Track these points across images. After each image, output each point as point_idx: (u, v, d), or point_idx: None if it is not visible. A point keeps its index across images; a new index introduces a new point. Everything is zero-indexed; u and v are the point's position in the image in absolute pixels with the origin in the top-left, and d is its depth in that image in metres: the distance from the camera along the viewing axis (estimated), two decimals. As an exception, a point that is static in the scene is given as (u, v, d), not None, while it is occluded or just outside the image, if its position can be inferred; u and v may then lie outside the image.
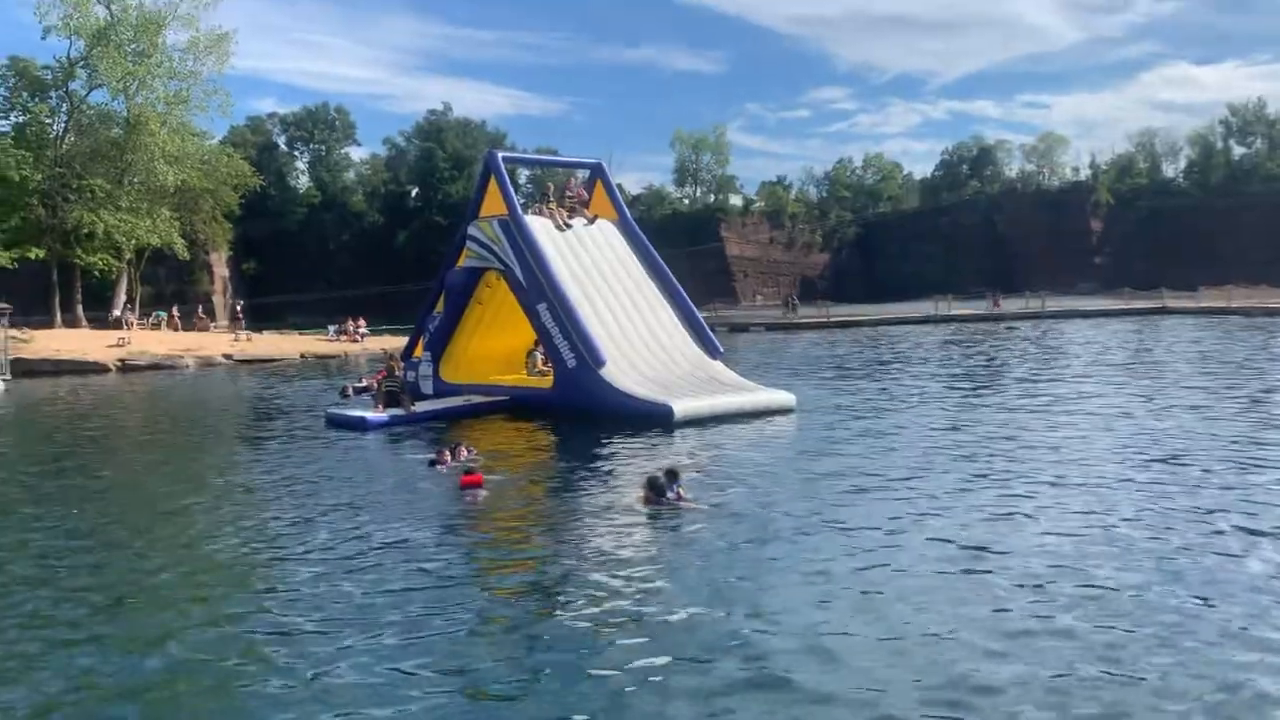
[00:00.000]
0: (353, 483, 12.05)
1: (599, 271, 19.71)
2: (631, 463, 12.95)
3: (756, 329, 51.56)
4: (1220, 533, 8.74)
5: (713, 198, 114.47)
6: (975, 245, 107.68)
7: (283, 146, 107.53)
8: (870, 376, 23.85)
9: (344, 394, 22.61)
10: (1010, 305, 57.46)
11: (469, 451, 13.15)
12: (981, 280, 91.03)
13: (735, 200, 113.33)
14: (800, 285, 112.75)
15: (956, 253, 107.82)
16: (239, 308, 52.00)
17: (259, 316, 76.67)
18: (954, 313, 52.95)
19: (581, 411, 17.30)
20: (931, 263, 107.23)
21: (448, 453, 12.94)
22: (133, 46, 47.28)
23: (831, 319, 52.77)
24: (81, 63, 47.48)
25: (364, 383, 23.23)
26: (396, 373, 20.01)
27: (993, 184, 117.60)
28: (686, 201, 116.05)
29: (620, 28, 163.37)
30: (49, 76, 48.24)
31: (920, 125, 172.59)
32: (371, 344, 43.11)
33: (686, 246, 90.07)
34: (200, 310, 55.90)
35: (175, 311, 51.29)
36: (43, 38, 46.64)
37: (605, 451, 13.93)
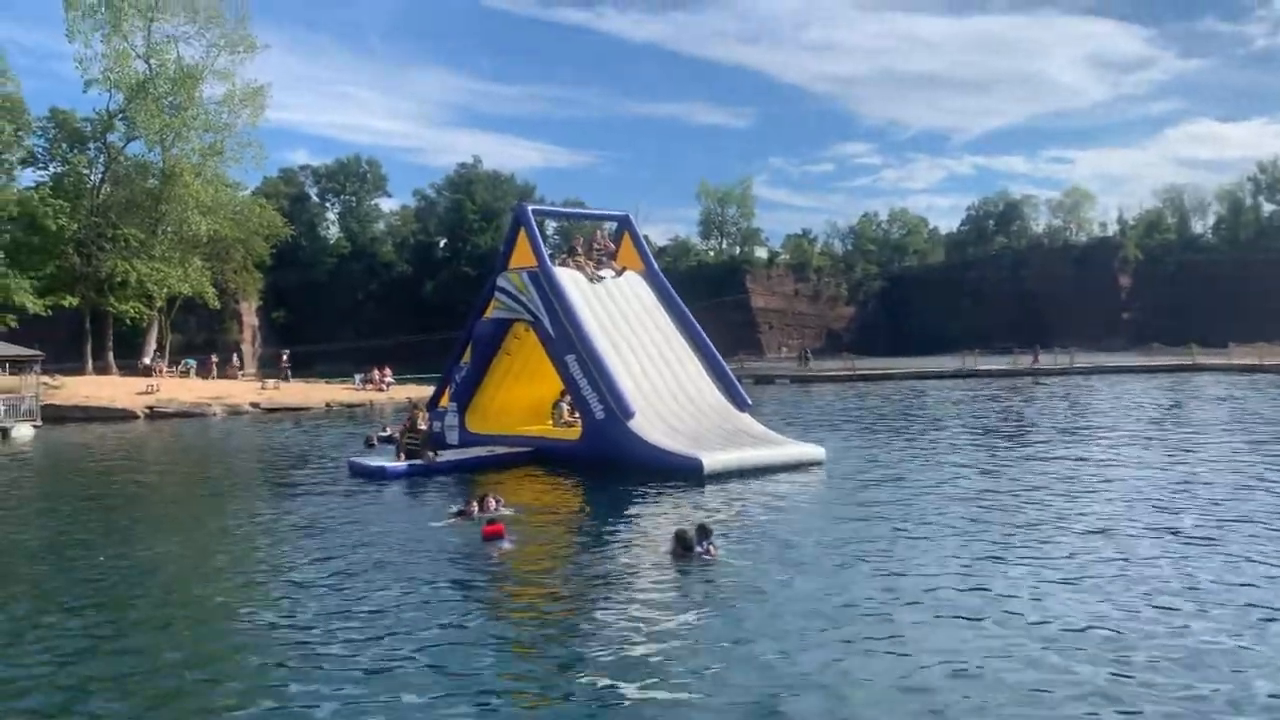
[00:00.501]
0: (369, 532, 11.95)
1: (627, 323, 19.72)
2: (660, 517, 12.80)
3: (782, 381, 51.41)
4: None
5: (738, 250, 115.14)
6: (1002, 300, 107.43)
7: (314, 198, 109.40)
8: (899, 431, 23.68)
9: (369, 443, 22.65)
10: (1025, 359, 56.95)
11: (497, 503, 13.03)
12: (1008, 335, 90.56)
13: (760, 253, 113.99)
14: (826, 338, 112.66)
15: (983, 307, 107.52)
16: (285, 357, 52.20)
17: (293, 368, 77.27)
18: (981, 367, 52.53)
19: (609, 464, 17.19)
20: (958, 317, 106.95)
21: (475, 503, 12.81)
22: (170, 99, 48.35)
23: (857, 372, 52.49)
24: (120, 115, 48.57)
25: (388, 432, 23.27)
26: (420, 424, 20.04)
27: (1019, 239, 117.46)
28: (712, 253, 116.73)
29: (648, 83, 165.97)
30: (88, 128, 49.37)
31: (945, 180, 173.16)
32: (397, 393, 43.23)
33: (712, 298, 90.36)
34: (235, 359, 56.23)
35: (214, 359, 51.71)
36: (84, 90, 47.82)
37: (633, 505, 13.79)
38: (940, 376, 49.82)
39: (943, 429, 24.26)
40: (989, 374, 50.35)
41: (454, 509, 13.01)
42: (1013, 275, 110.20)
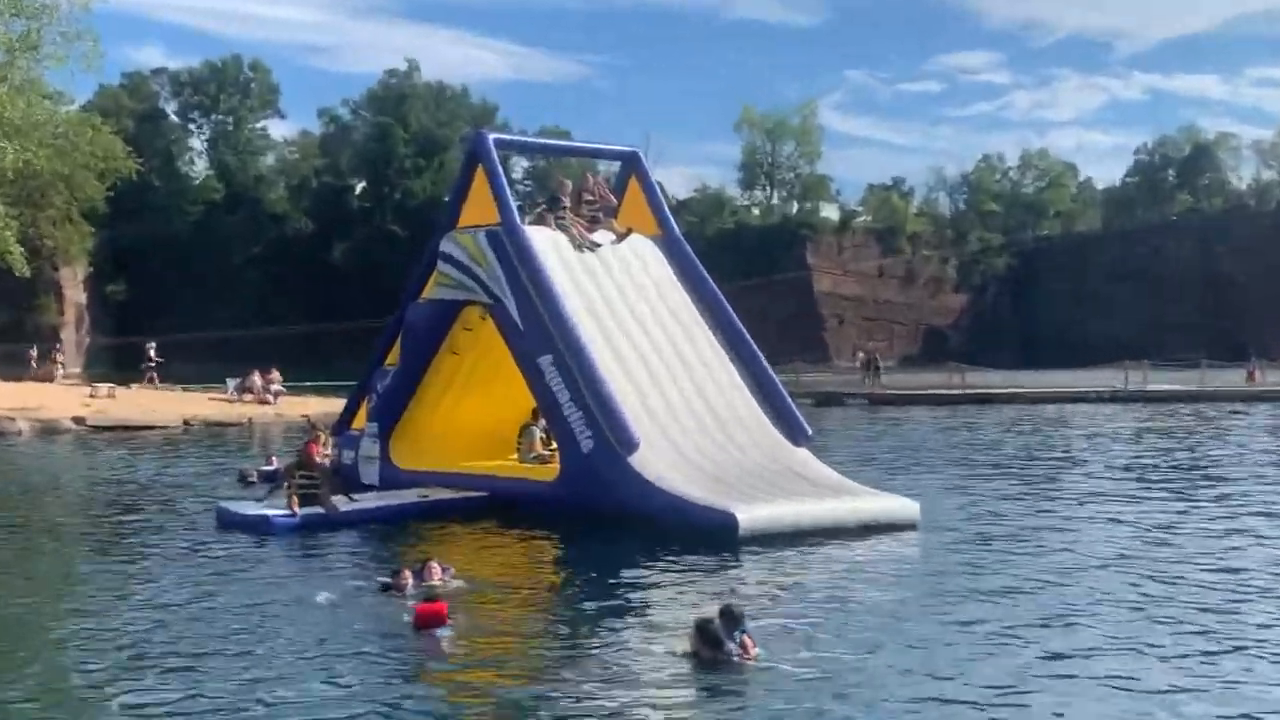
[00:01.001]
0: (246, 619, 11.94)
1: (631, 310, 19.75)
2: (672, 598, 12.82)
3: (856, 401, 51.43)
4: None
5: (796, 206, 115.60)
6: (1186, 286, 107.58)
7: (172, 116, 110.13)
8: (1027, 479, 23.68)
9: (245, 480, 22.72)
10: (1228, 375, 56.92)
11: (443, 571, 13.03)
12: (1194, 338, 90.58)
13: (829, 211, 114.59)
14: (923, 339, 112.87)
15: (1158, 297, 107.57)
16: (152, 352, 52.07)
17: (124, 363, 77.57)
18: (1154, 388, 52.53)
19: (599, 516, 17.19)
20: (1120, 311, 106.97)
21: (408, 572, 12.78)
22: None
23: (969, 391, 52.52)
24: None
25: (273, 465, 23.32)
26: (320, 454, 19.92)
27: (1213, 198, 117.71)
28: (757, 211, 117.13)
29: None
30: None
31: (1104, 109, 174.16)
32: (289, 407, 43.26)
33: (756, 276, 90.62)
34: (55, 351, 56.16)
35: (33, 353, 51.86)
36: None
37: (635, 578, 13.80)
38: (1090, 399, 49.80)
39: (1091, 474, 24.23)
40: (1164, 397, 50.31)
41: (380, 580, 12.99)
42: (1202, 251, 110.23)
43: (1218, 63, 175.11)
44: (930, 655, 10.45)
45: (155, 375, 49.94)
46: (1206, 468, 25.99)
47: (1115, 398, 50.52)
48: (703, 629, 10.17)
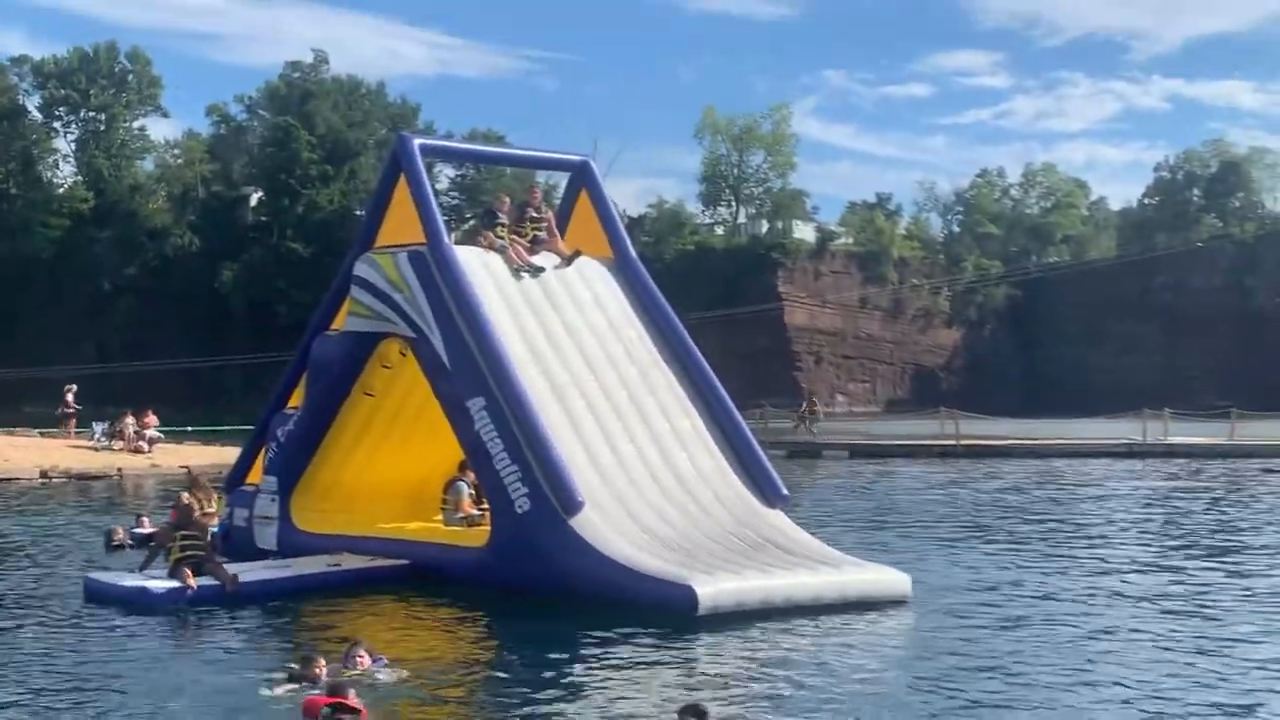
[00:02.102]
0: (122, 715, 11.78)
1: (579, 346, 19.73)
2: (625, 690, 12.79)
3: (835, 453, 51.48)
4: None
5: (765, 226, 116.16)
6: (1214, 323, 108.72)
7: (34, 113, 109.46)
8: (1031, 546, 23.81)
9: (113, 542, 22.59)
10: (1262, 426, 57.30)
11: (373, 660, 12.89)
12: (1223, 383, 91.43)
13: (803, 232, 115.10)
14: (912, 379, 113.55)
15: (1181, 335, 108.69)
16: (70, 396, 50.84)
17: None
18: (1176, 440, 52.90)
19: (537, 590, 17.17)
20: (1138, 352, 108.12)
21: (321, 661, 12.51)
22: None
23: (964, 442, 52.76)
24: None
25: (145, 526, 23.14)
26: (200, 512, 19.74)
27: (1244, 222, 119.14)
28: (721, 230, 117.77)
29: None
30: None
31: (1119, 119, 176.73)
32: (166, 457, 43.01)
33: (718, 307, 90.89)
34: None
35: None
36: None
37: (582, 666, 13.78)
38: (1103, 453, 50.11)
39: (1105, 541, 24.41)
40: (1189, 451, 50.68)
41: (288, 669, 12.77)
42: (1232, 282, 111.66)
43: (1249, 67, 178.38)
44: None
45: (72, 424, 49.06)
46: (1236, 534, 26.16)
47: (1132, 452, 50.71)
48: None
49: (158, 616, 16.39)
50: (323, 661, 12.56)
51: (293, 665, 12.84)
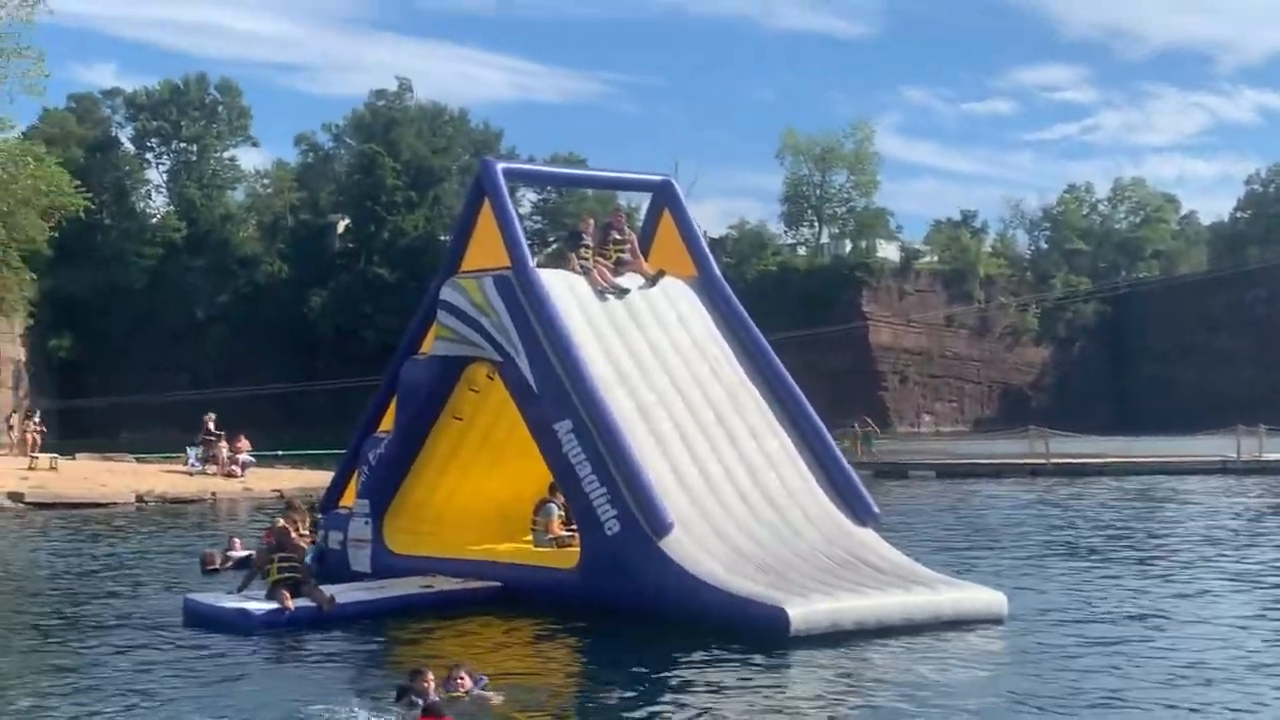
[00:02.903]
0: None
1: (665, 367, 19.74)
2: (719, 711, 12.77)
3: (921, 473, 51.14)
4: None
5: (849, 245, 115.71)
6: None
7: (127, 144, 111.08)
8: (1125, 566, 23.58)
9: (208, 566, 22.76)
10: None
11: (475, 681, 12.91)
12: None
13: (888, 251, 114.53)
14: (1000, 398, 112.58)
15: (1275, 349, 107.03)
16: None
17: (71, 428, 77.89)
18: (1272, 457, 52.08)
19: (628, 611, 17.15)
20: (1231, 367, 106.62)
21: (429, 681, 12.46)
22: None
23: (1052, 462, 52.22)
24: None
25: (237, 549, 23.33)
26: (297, 536, 19.88)
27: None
28: (804, 250, 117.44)
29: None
30: None
31: (1208, 132, 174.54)
32: (259, 481, 43.30)
33: (802, 327, 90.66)
34: (14, 419, 55.82)
35: (12, 422, 51.65)
36: None
37: (670, 689, 13.76)
38: (1196, 471, 49.40)
39: (1204, 562, 24.10)
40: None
41: (396, 690, 12.68)
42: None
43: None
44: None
45: (217, 451, 49.74)
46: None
47: (1226, 469, 50.01)
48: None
49: (256, 637, 16.53)
50: (431, 676, 12.47)
51: (401, 681, 12.84)
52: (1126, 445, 61.07)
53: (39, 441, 49.24)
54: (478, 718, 11.81)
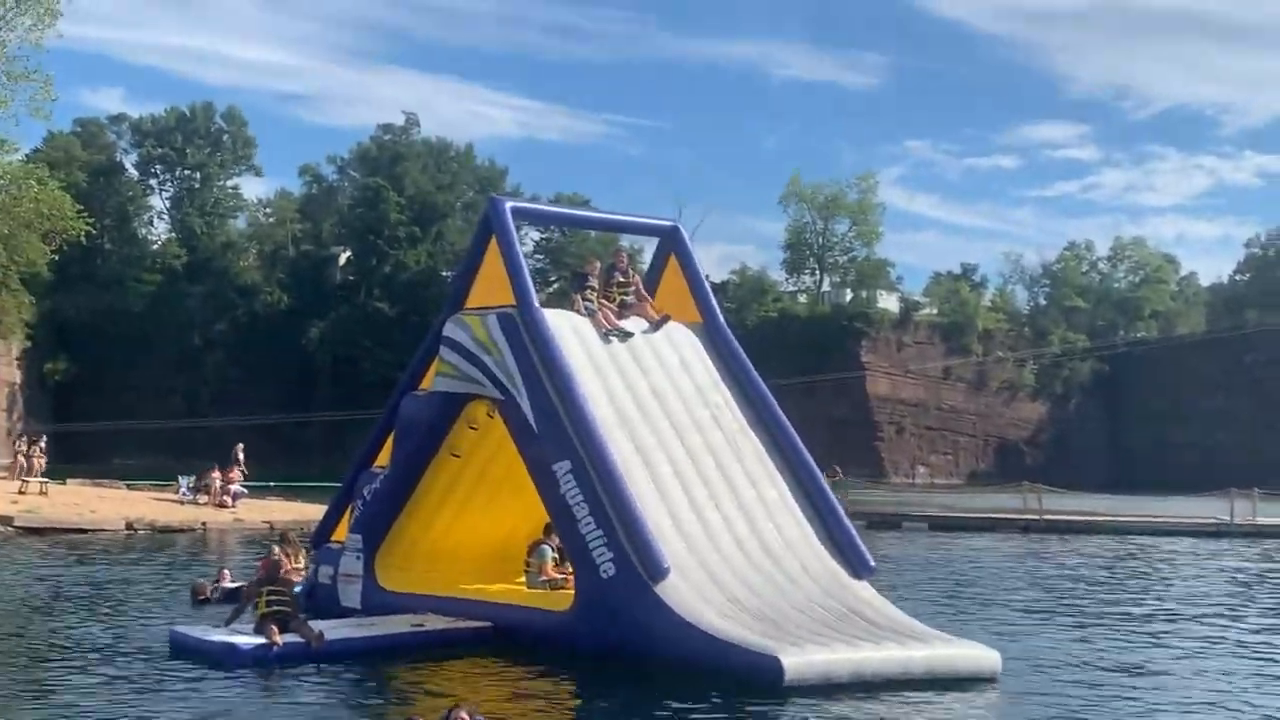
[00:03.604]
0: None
1: (666, 412, 19.71)
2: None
3: (914, 524, 51.02)
4: None
5: (849, 295, 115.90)
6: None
7: (131, 170, 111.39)
8: (1115, 621, 23.60)
9: (199, 597, 22.66)
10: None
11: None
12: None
13: (887, 302, 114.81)
14: (995, 453, 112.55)
15: (1272, 413, 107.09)
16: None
17: (64, 453, 77.61)
18: (1266, 521, 51.99)
19: (621, 655, 17.07)
20: (1227, 430, 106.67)
21: None
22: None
23: (1045, 518, 52.12)
24: None
25: (225, 581, 23.22)
26: (288, 570, 19.79)
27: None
28: (804, 298, 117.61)
29: (706, 5, 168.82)
30: None
31: (1210, 193, 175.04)
32: (251, 512, 43.15)
33: (800, 374, 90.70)
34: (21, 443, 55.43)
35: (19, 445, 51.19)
36: None
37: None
38: (1189, 533, 49.30)
39: (1196, 621, 24.10)
40: (1279, 533, 49.76)
41: None
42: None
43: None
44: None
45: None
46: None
47: (1220, 532, 49.84)
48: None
49: (243, 672, 16.41)
50: None
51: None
52: (1120, 504, 61.06)
53: (42, 466, 49.14)
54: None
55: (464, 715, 12.81)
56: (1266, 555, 41.54)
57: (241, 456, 49.31)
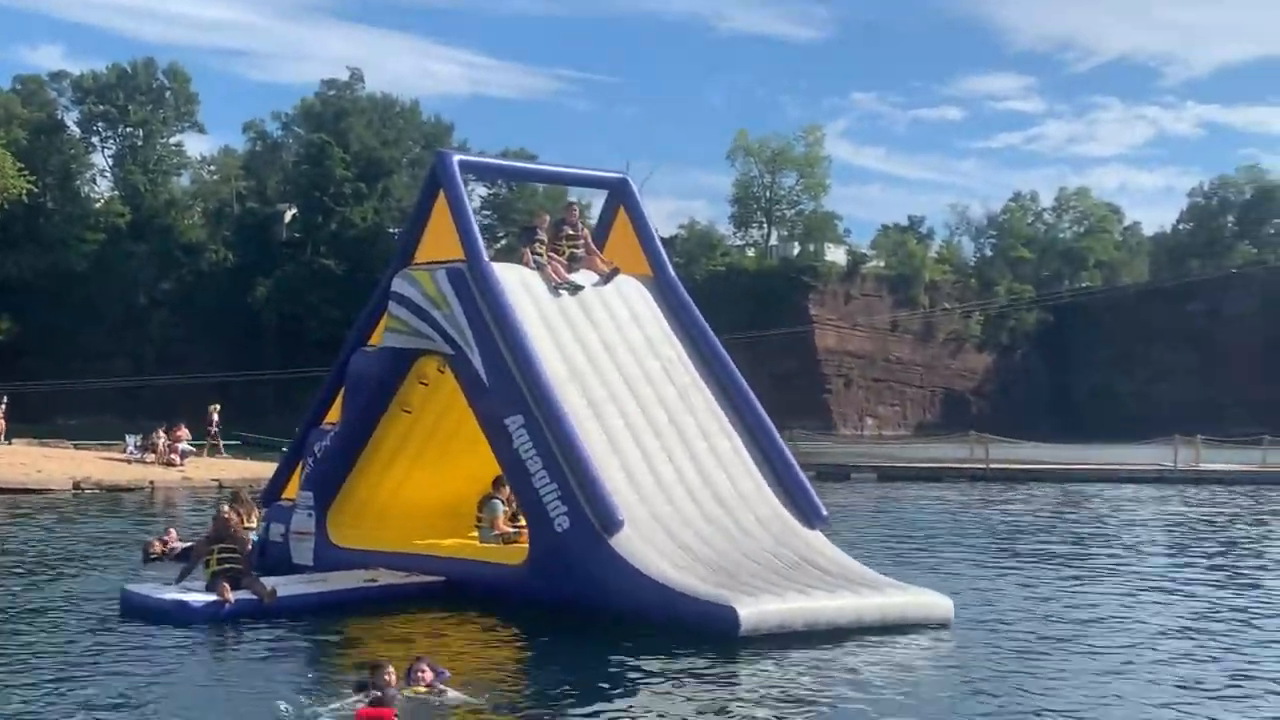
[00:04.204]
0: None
1: (617, 365, 19.69)
2: (664, 709, 12.80)
3: (864, 475, 51.42)
4: None
5: (797, 248, 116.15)
6: (1247, 350, 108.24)
7: (73, 128, 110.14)
8: (1061, 567, 23.92)
9: (149, 555, 22.53)
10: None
11: (436, 674, 12.77)
12: (1257, 410, 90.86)
13: (835, 255, 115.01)
14: (942, 403, 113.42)
15: (1214, 363, 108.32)
16: (215, 415, 50.89)
17: (9, 413, 76.95)
18: (1208, 467, 52.65)
19: (575, 608, 17.10)
20: (1170, 378, 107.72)
21: (390, 672, 12.32)
22: None
23: (992, 467, 52.58)
24: None
25: (171, 540, 23.06)
26: (237, 527, 19.69)
27: (1279, 248, 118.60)
28: (752, 252, 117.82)
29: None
30: None
31: (1152, 144, 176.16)
32: (199, 470, 43.13)
33: (748, 328, 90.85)
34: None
35: None
36: None
37: (617, 687, 13.74)
38: (1133, 479, 49.89)
39: (1139, 566, 24.48)
40: (1220, 478, 50.35)
41: (355, 684, 12.54)
42: (1266, 309, 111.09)
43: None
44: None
45: (220, 445, 49.32)
46: (1264, 560, 26.09)
47: (1163, 478, 50.63)
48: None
49: (195, 630, 16.34)
50: (392, 670, 12.32)
51: (355, 675, 12.73)
52: (1066, 453, 61.70)
53: (3, 427, 48.88)
54: (438, 711, 11.68)
55: (425, 668, 12.81)
56: (1209, 499, 42.11)
57: (216, 418, 49.18)
